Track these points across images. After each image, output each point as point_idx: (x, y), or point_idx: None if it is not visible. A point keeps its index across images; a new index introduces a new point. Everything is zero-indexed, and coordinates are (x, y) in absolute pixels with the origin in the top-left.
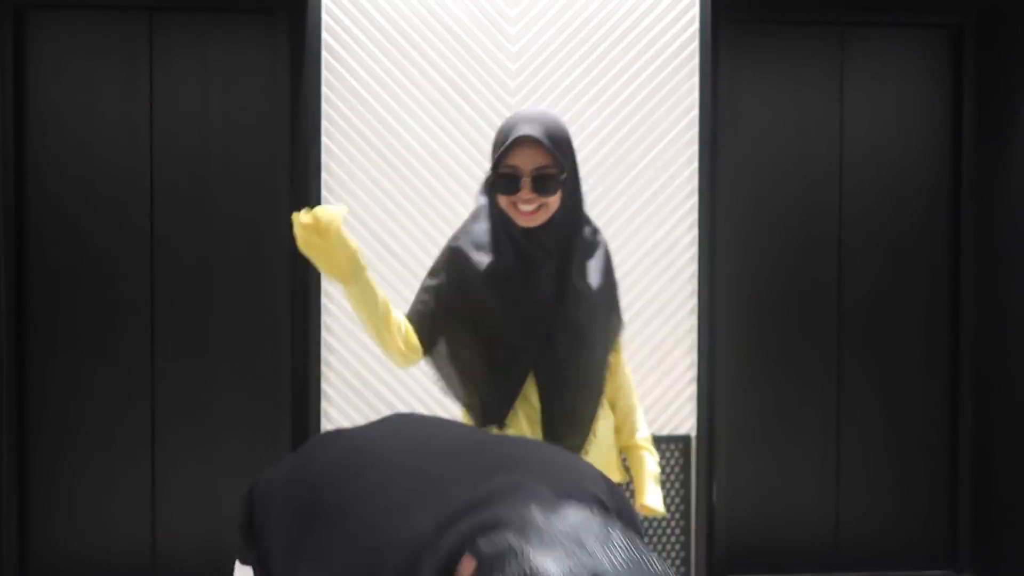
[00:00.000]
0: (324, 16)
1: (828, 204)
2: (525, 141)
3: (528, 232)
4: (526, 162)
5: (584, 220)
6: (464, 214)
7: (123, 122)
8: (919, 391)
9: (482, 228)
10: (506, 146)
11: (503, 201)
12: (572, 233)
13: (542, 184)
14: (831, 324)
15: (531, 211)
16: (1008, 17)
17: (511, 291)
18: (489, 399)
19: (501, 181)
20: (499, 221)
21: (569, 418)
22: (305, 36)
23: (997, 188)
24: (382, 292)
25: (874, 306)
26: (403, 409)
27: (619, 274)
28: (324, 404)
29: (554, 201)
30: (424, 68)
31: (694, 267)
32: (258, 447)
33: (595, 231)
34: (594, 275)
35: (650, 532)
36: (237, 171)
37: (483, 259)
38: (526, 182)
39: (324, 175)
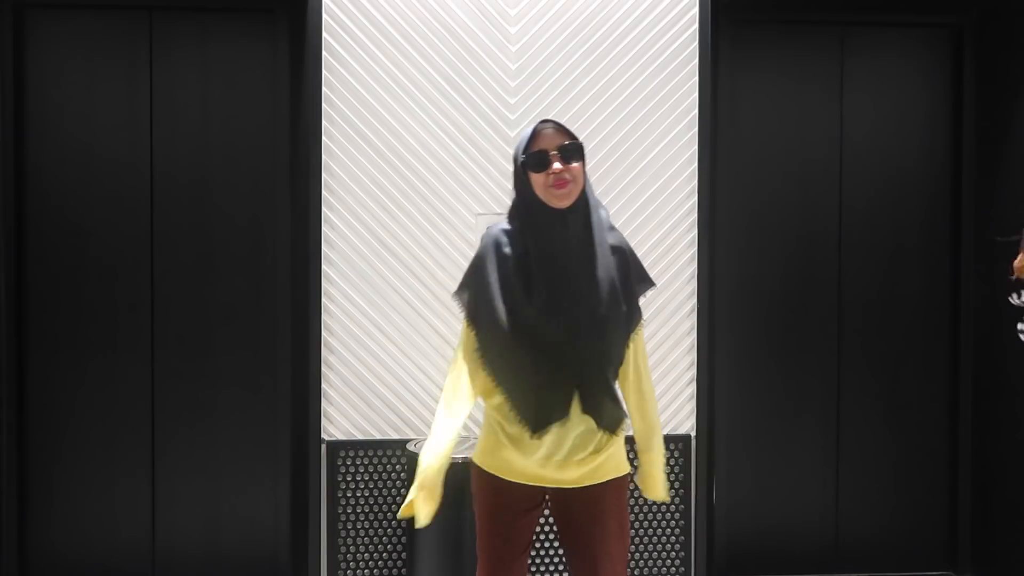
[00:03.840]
0: (324, 16)
1: (828, 204)
2: (546, 127)
3: (560, 215)
4: (550, 143)
5: (604, 215)
6: (464, 214)
7: (123, 121)
8: (919, 391)
9: (504, 233)
10: (530, 140)
11: (538, 184)
12: (590, 221)
13: (567, 154)
14: (831, 324)
15: (563, 184)
16: (1008, 17)
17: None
18: (537, 410)
19: (532, 160)
20: (528, 213)
21: (606, 394)
22: (305, 36)
23: (997, 188)
24: (450, 443)
25: (874, 306)
26: (404, 410)
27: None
28: (324, 404)
29: (579, 174)
30: (424, 68)
31: (694, 267)
32: (258, 447)
33: (619, 233)
34: (610, 262)
35: (650, 531)
36: (237, 171)
37: (510, 252)
38: (554, 155)
39: (324, 175)
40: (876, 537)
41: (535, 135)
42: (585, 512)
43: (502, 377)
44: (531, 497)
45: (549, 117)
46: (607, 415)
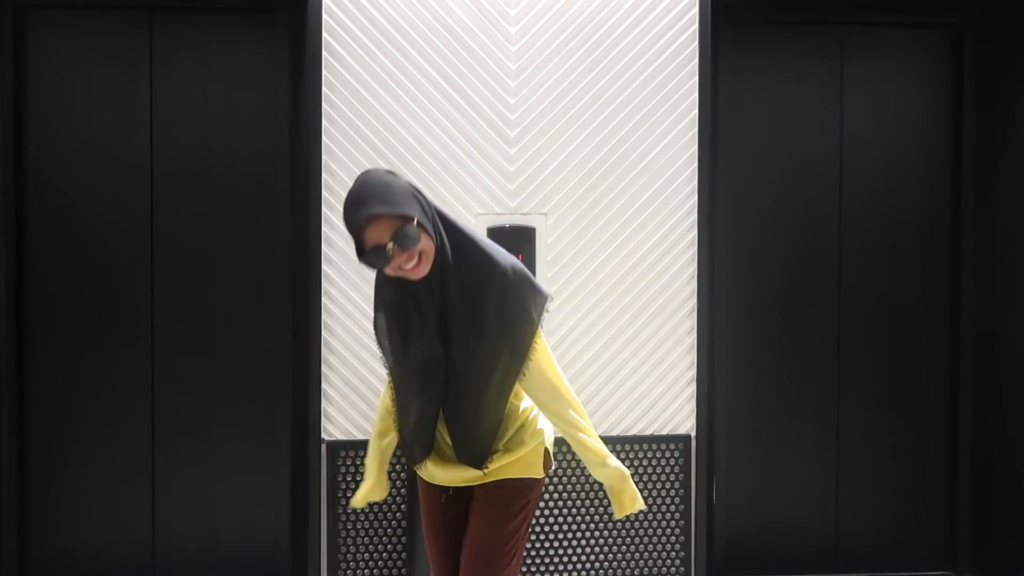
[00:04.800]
0: (324, 16)
1: (828, 204)
2: (369, 222)
3: (420, 281)
4: (382, 235)
5: (472, 256)
6: (464, 214)
7: (123, 122)
8: (919, 391)
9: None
10: (358, 234)
11: (390, 272)
12: (457, 269)
13: (404, 240)
14: (831, 323)
15: (415, 264)
16: (1008, 17)
17: (409, 336)
18: (409, 445)
19: (372, 259)
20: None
21: (473, 446)
22: (305, 36)
23: (997, 188)
24: (379, 443)
25: (874, 306)
26: None
27: (619, 274)
28: (324, 404)
29: (428, 245)
30: (424, 68)
31: (694, 267)
32: (258, 447)
33: (492, 263)
34: (480, 311)
35: (650, 531)
36: (237, 171)
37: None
38: (392, 248)
39: (324, 175)
40: (876, 537)
41: (361, 231)
42: (476, 508)
43: (395, 409)
44: (451, 494)
45: (365, 175)
46: (470, 451)
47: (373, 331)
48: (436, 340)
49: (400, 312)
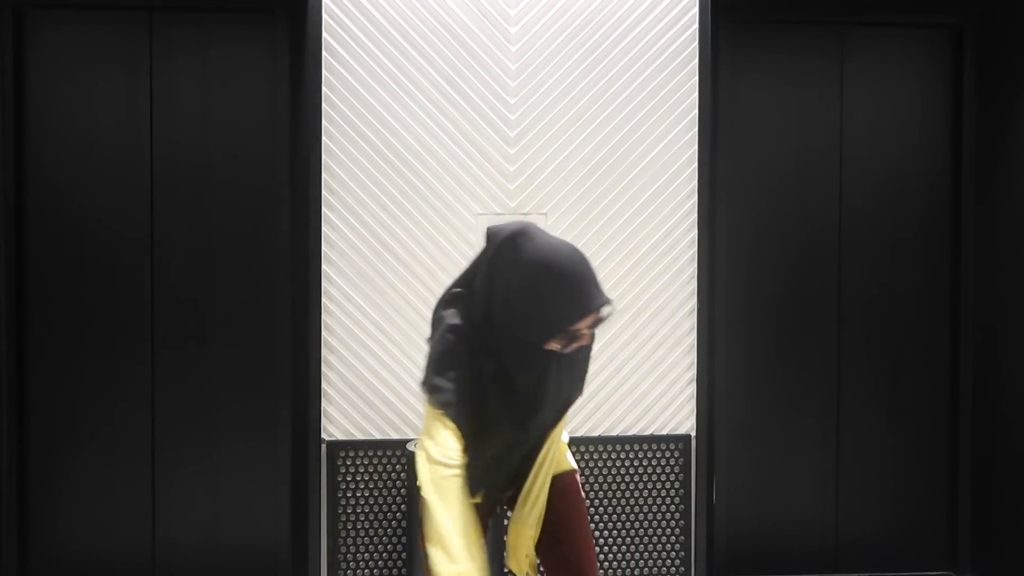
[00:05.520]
0: (324, 16)
1: (828, 204)
2: (596, 312)
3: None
4: (589, 321)
5: None
6: (464, 214)
7: (123, 122)
8: (919, 391)
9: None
10: (570, 321)
11: (555, 347)
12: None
13: (601, 321)
14: (831, 324)
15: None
16: (1008, 17)
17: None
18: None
19: (564, 338)
20: (512, 350)
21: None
22: (305, 36)
23: (997, 188)
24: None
25: (874, 306)
26: (404, 410)
27: (619, 274)
28: (324, 404)
29: None
30: (424, 68)
31: (694, 267)
32: (258, 448)
33: None
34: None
35: (650, 531)
36: (237, 171)
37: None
38: (584, 334)
39: (324, 175)
40: (876, 537)
41: (579, 319)
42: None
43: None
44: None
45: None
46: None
47: (440, 406)
48: (554, 403)
49: (507, 387)
